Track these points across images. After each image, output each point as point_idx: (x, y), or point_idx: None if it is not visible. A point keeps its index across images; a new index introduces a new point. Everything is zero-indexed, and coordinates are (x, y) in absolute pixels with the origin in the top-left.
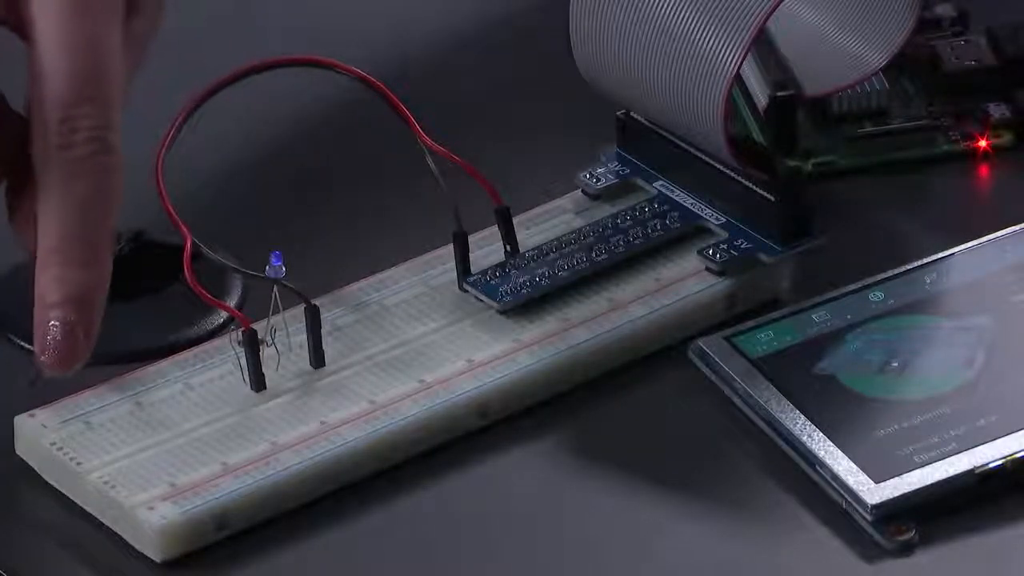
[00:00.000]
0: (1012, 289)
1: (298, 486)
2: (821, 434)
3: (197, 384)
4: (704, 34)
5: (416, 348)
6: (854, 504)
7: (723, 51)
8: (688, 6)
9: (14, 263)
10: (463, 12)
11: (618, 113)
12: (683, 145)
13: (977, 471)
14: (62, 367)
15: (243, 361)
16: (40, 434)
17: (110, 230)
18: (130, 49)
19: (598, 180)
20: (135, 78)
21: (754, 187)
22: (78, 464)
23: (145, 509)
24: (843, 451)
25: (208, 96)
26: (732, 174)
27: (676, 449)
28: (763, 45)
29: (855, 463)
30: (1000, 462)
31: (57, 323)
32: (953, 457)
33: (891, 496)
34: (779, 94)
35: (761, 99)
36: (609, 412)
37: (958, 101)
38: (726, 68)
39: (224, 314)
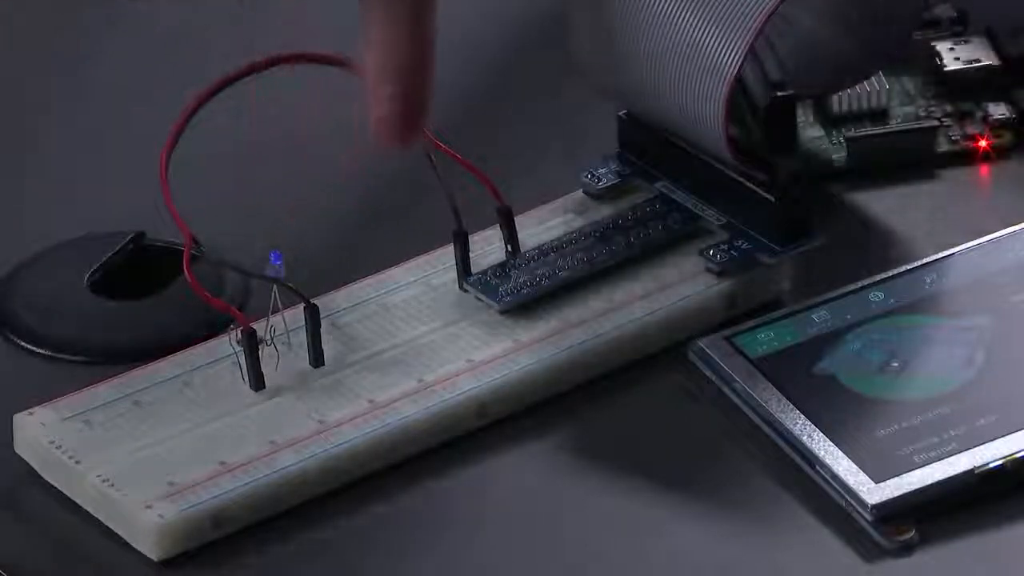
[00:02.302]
0: (1012, 289)
1: (296, 485)
2: (821, 434)
3: (196, 383)
4: (705, 35)
5: (416, 348)
6: (854, 504)
7: (724, 52)
8: (689, 7)
9: (14, 263)
10: (464, 12)
11: (619, 113)
12: (684, 146)
13: (977, 471)
14: (398, 141)
15: (242, 360)
16: (39, 432)
17: (433, 34)
18: None
19: (599, 180)
20: (136, 75)
21: (754, 187)
22: (77, 463)
23: (143, 508)
24: (843, 451)
25: (213, 94)
26: (732, 175)
27: (676, 449)
28: (763, 45)
29: (855, 463)
30: (1000, 462)
31: (391, 93)
32: (953, 457)
33: (891, 496)
34: (779, 94)
35: (761, 99)
36: (609, 412)
37: (958, 101)
38: (727, 69)
39: (224, 314)
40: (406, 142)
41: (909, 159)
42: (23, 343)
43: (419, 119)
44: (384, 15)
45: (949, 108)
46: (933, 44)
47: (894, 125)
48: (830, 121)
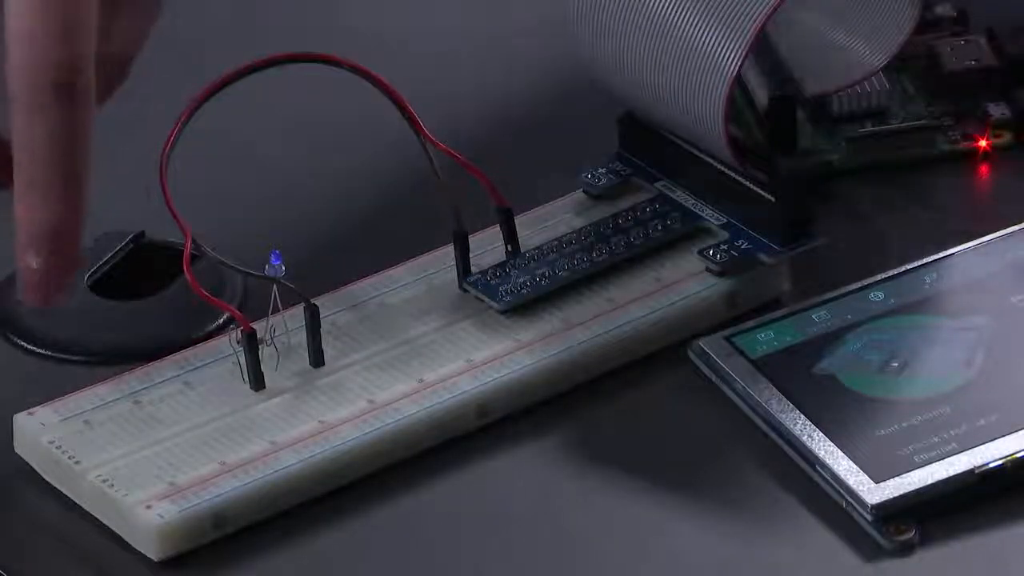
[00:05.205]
0: (1012, 289)
1: (297, 485)
2: (821, 434)
3: (196, 383)
4: (705, 35)
5: (416, 348)
6: (854, 504)
7: (724, 52)
8: (689, 7)
9: (15, 263)
10: (465, 11)
11: (619, 113)
12: (684, 145)
13: (977, 471)
14: (43, 303)
15: (242, 360)
16: (39, 432)
17: (81, 167)
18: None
19: (599, 180)
20: (136, 75)
21: (754, 187)
22: (77, 463)
23: (143, 508)
24: (843, 451)
25: (211, 93)
26: (732, 174)
27: (676, 449)
28: (763, 45)
29: (855, 463)
30: (1000, 462)
31: (34, 266)
32: (953, 457)
33: (891, 496)
34: (779, 94)
35: (761, 99)
36: (609, 412)
37: (958, 101)
38: (727, 69)
39: (224, 314)
40: (51, 302)
41: (909, 159)
42: (23, 343)
43: (65, 282)
44: (26, 184)
45: (949, 108)
46: (933, 44)
47: (894, 125)
48: (830, 121)
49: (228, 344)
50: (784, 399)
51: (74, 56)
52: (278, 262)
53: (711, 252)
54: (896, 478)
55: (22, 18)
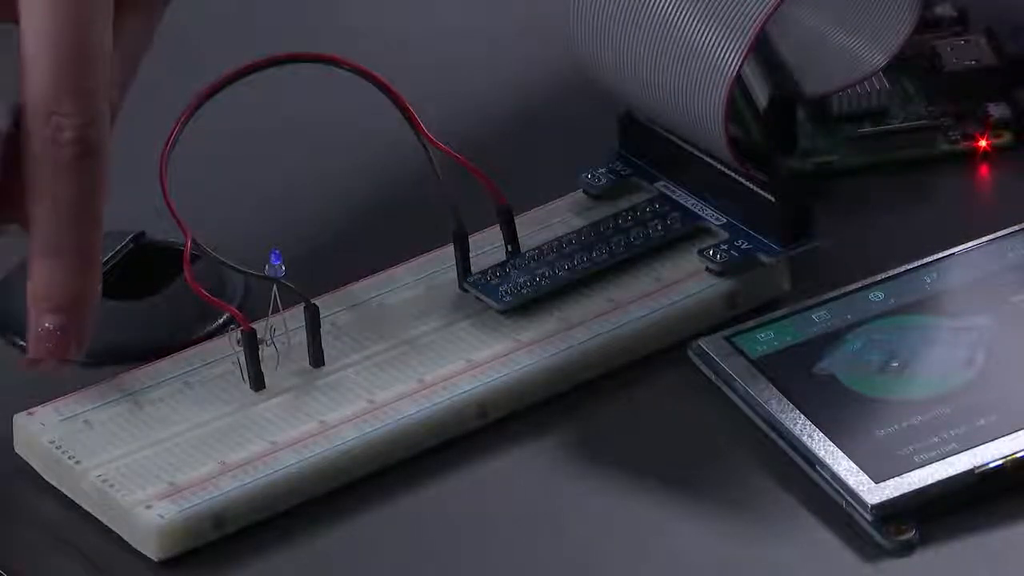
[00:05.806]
0: (1012, 289)
1: (297, 485)
2: (821, 434)
3: (196, 383)
4: (705, 35)
5: (416, 348)
6: (854, 504)
7: (724, 52)
8: (689, 7)
9: (15, 263)
10: (465, 11)
11: (619, 113)
12: (684, 145)
13: (977, 471)
14: (53, 370)
15: (242, 360)
16: (39, 432)
17: (98, 230)
18: (125, 47)
19: (599, 180)
20: (138, 78)
21: (754, 187)
22: (77, 463)
23: (143, 508)
24: (843, 451)
25: (212, 93)
26: (732, 174)
27: (676, 449)
28: (763, 45)
29: (855, 463)
30: (1000, 462)
31: (49, 327)
32: (953, 457)
33: (891, 496)
34: (779, 94)
35: (761, 99)
36: (609, 412)
37: (958, 101)
38: (727, 69)
39: (224, 314)
40: (58, 367)
41: (909, 159)
42: (23, 343)
43: (78, 346)
44: (52, 248)
45: (949, 108)
46: (933, 44)
47: (894, 125)
48: (830, 121)
49: (228, 344)
50: (784, 399)
51: (94, 110)
52: (278, 262)
53: (711, 252)
54: (896, 478)
55: (37, 73)
